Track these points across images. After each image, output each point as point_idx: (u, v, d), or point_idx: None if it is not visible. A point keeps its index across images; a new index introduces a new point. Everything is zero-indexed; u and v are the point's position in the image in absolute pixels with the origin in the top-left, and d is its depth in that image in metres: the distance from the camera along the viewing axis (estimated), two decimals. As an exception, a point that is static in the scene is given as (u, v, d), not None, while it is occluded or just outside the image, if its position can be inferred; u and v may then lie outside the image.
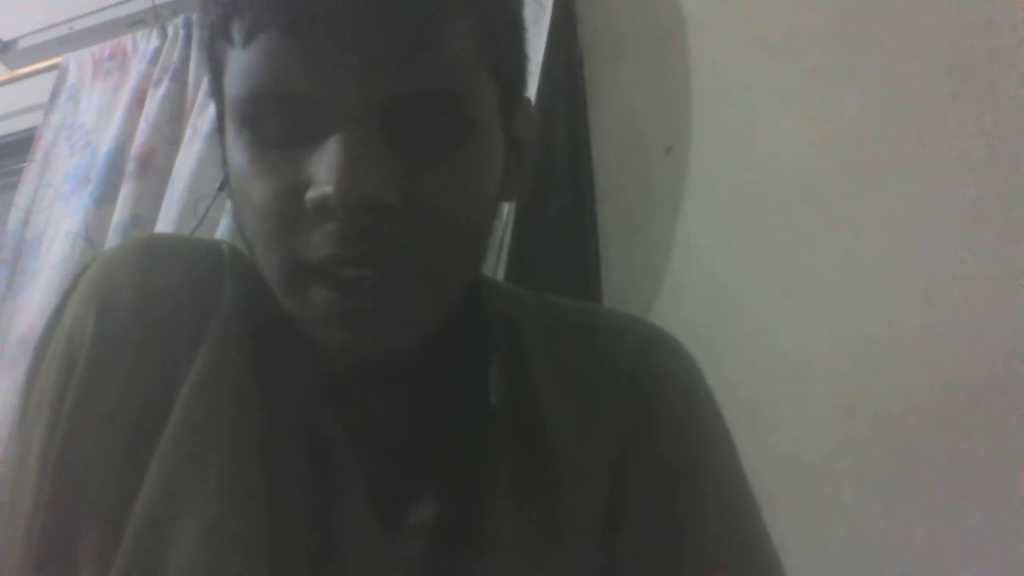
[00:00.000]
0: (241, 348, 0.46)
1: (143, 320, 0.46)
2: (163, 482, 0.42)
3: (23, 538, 0.43)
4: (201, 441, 0.43)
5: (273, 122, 0.40)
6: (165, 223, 1.16)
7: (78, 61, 1.45)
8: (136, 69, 1.35)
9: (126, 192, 1.23)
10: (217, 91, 0.45)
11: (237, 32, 0.40)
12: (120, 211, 1.22)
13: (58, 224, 1.30)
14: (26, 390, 0.48)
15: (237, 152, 0.42)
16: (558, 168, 1.06)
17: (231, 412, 0.44)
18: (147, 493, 0.42)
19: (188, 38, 1.32)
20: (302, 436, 0.46)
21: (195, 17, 1.32)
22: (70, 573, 0.42)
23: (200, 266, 0.48)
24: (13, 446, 0.47)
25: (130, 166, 1.25)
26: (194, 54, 1.30)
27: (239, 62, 0.40)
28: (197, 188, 1.16)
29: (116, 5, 1.45)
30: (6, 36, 1.55)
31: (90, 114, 1.38)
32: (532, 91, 0.94)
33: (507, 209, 0.96)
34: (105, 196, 1.26)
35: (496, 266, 0.94)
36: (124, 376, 0.45)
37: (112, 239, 1.20)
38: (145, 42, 1.37)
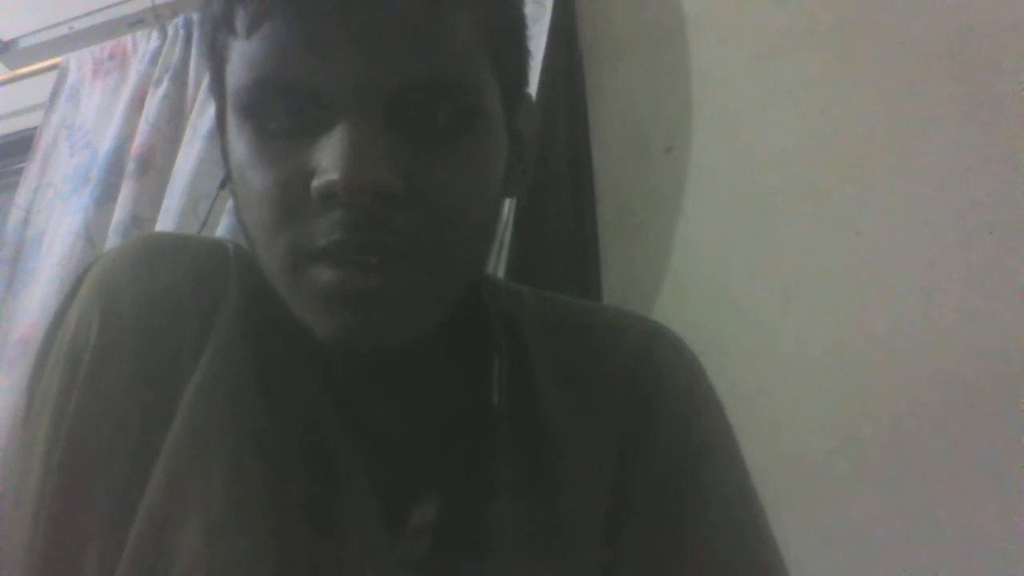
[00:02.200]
0: (246, 349, 0.46)
1: (148, 320, 0.46)
2: (168, 483, 0.42)
3: (27, 539, 0.43)
4: (206, 442, 0.43)
5: (277, 112, 0.40)
6: (165, 223, 1.16)
7: (78, 61, 1.45)
8: (136, 69, 1.35)
9: (126, 192, 1.23)
10: (218, 84, 0.45)
11: (240, 21, 0.40)
12: (120, 211, 1.22)
13: (58, 224, 1.30)
14: (30, 390, 0.48)
15: (240, 144, 0.42)
16: (558, 168, 1.07)
17: (235, 413, 0.44)
18: (151, 494, 0.42)
19: (188, 38, 1.32)
20: (306, 437, 0.46)
21: (195, 16, 1.32)
22: (74, 573, 0.42)
23: (205, 265, 0.48)
24: (16, 446, 0.46)
25: (130, 166, 1.25)
26: (194, 54, 1.30)
27: (242, 52, 0.40)
28: (197, 188, 1.16)
29: (116, 5, 1.45)
30: (6, 36, 1.55)
31: (90, 114, 1.38)
32: (533, 90, 0.94)
33: (507, 208, 0.96)
34: (105, 196, 1.26)
35: (496, 266, 0.94)
36: (129, 376, 0.45)
37: (112, 239, 1.20)
38: (145, 42, 1.37)
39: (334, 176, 0.37)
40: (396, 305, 0.41)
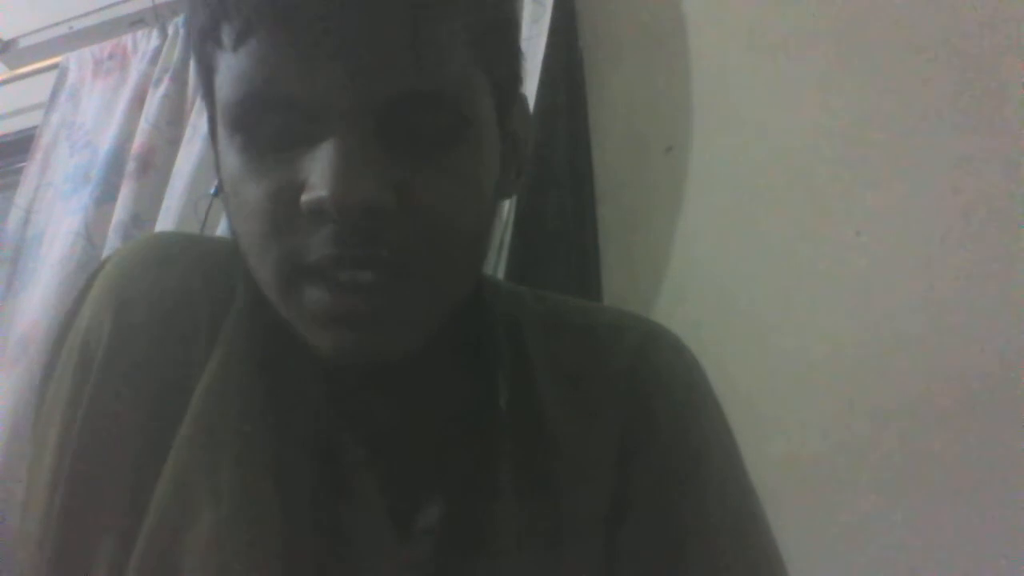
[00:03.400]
0: (254, 350, 0.46)
1: (159, 320, 0.46)
2: (177, 482, 0.43)
3: (37, 536, 0.43)
4: (214, 442, 0.44)
5: (266, 125, 0.40)
6: (165, 222, 1.16)
7: (78, 60, 1.45)
8: (136, 68, 1.35)
9: (126, 191, 1.23)
10: (208, 94, 0.44)
11: (227, 35, 0.39)
12: (120, 210, 1.22)
13: (58, 223, 1.30)
14: (41, 389, 0.48)
15: (230, 156, 0.42)
16: (558, 168, 1.06)
17: (243, 414, 0.45)
18: (162, 492, 0.42)
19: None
20: (312, 438, 0.46)
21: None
22: (84, 571, 0.42)
23: (214, 265, 0.49)
24: (22, 444, 0.47)
25: (130, 165, 1.25)
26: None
27: (229, 65, 0.40)
28: (197, 187, 1.16)
29: (116, 5, 1.45)
30: (6, 36, 1.55)
31: (90, 113, 1.38)
32: (532, 90, 0.94)
33: (507, 209, 0.96)
34: (105, 195, 1.27)
35: (496, 266, 0.94)
36: (140, 375, 0.45)
37: (112, 238, 1.21)
38: (145, 42, 1.37)
39: (323, 193, 0.37)
40: (391, 324, 0.40)
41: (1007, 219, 0.87)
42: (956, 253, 0.89)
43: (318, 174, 0.37)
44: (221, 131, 0.43)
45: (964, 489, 0.83)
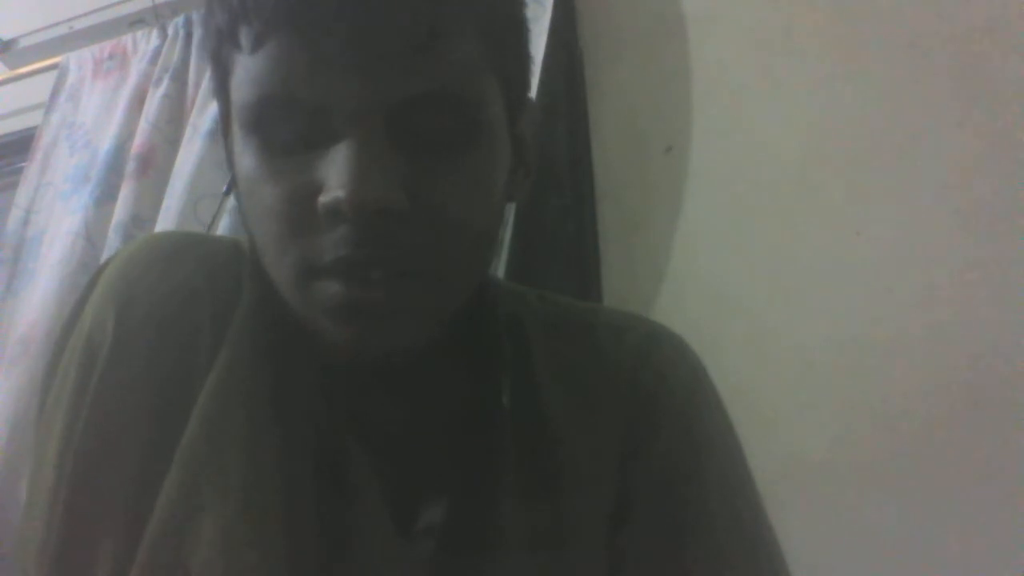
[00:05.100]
0: (259, 350, 0.46)
1: (163, 319, 0.46)
2: (183, 482, 0.43)
3: (40, 537, 0.43)
4: (221, 442, 0.44)
5: (282, 127, 0.40)
6: (165, 222, 1.16)
7: (78, 60, 1.45)
8: (136, 68, 1.35)
9: (126, 191, 1.23)
10: (223, 95, 0.45)
11: (245, 37, 0.40)
12: (120, 210, 1.22)
13: (58, 223, 1.30)
14: (44, 388, 0.48)
15: (246, 157, 0.42)
16: (558, 168, 1.07)
17: (249, 414, 0.45)
18: (166, 494, 0.42)
19: (188, 37, 1.32)
20: (316, 438, 0.46)
21: (195, 16, 1.32)
22: (87, 571, 0.42)
23: (219, 264, 0.49)
24: (29, 444, 0.47)
25: (130, 165, 1.25)
26: (194, 53, 1.31)
27: (247, 68, 0.40)
28: (197, 187, 1.16)
29: (116, 5, 1.45)
30: (6, 35, 1.55)
31: (90, 113, 1.38)
32: (533, 89, 0.94)
33: (507, 209, 0.96)
34: (105, 195, 1.26)
35: (496, 266, 0.94)
36: (144, 375, 0.45)
37: (112, 238, 1.21)
38: (145, 42, 1.37)
39: (340, 194, 0.38)
40: (398, 317, 0.41)
41: (1007, 219, 0.87)
42: (956, 253, 0.89)
43: (334, 176, 0.38)
44: (236, 132, 0.43)
45: (965, 488, 0.83)
